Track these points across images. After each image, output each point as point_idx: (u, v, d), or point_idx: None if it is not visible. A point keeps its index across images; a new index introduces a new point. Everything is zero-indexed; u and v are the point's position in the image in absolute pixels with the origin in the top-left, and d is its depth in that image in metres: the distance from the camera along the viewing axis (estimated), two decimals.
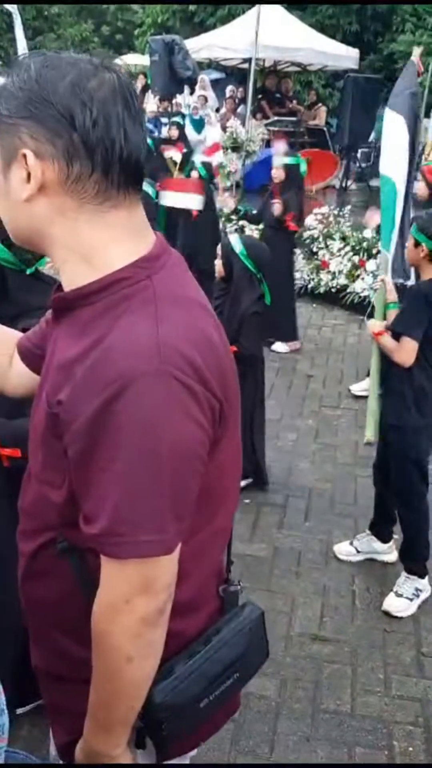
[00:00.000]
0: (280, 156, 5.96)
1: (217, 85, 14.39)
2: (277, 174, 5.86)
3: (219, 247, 3.78)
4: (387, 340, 2.95)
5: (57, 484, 1.06)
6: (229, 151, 10.32)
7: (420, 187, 5.06)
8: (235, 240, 3.71)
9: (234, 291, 3.65)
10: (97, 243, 1.02)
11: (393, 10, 16.32)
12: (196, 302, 1.06)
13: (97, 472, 0.96)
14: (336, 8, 16.33)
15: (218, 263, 3.74)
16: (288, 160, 5.93)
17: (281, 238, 5.85)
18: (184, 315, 1.01)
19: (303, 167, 5.97)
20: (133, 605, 1.00)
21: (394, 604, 3.04)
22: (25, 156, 0.97)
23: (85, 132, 0.94)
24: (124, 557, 0.98)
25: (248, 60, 9.97)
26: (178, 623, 1.10)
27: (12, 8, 12.14)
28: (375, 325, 3.06)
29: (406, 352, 2.86)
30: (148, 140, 7.33)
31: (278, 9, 12.71)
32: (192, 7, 18.08)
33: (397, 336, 2.90)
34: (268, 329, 5.61)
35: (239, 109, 12.10)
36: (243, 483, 3.71)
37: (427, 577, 3.14)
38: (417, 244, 2.87)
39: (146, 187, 4.56)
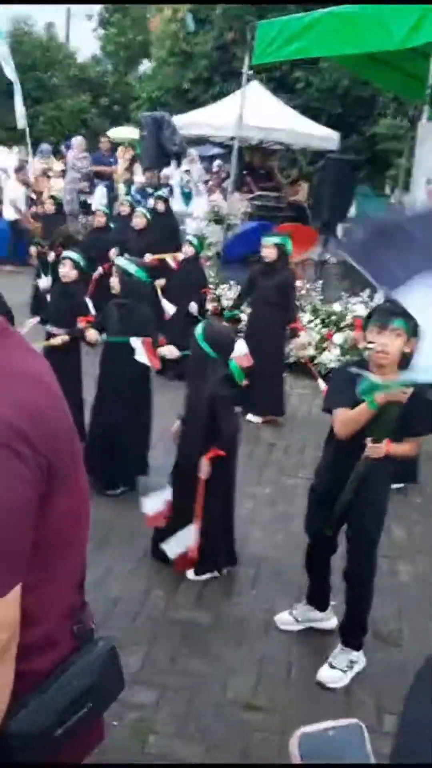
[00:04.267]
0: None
1: (213, 160, 15.03)
2: (269, 253, 6.07)
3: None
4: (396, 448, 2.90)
5: None
6: (212, 223, 10.74)
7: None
8: (198, 327, 3.78)
9: (197, 371, 3.74)
10: None
11: (375, 96, 17.24)
12: (30, 376, 1.21)
13: None
14: (323, 93, 17.22)
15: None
16: (278, 239, 6.16)
17: (274, 317, 6.11)
18: (15, 389, 1.16)
19: (289, 246, 6.21)
20: None
21: (327, 675, 3.10)
22: None
23: None
24: None
25: (234, 138, 10.49)
26: (29, 663, 1.21)
27: (12, 77, 12.75)
28: (381, 448, 2.85)
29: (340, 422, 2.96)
30: (147, 214, 7.71)
31: (264, 91, 13.41)
32: (186, 84, 18.98)
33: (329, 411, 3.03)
34: (250, 401, 5.76)
35: (224, 183, 12.60)
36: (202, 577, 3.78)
37: (362, 650, 3.21)
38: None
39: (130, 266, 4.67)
